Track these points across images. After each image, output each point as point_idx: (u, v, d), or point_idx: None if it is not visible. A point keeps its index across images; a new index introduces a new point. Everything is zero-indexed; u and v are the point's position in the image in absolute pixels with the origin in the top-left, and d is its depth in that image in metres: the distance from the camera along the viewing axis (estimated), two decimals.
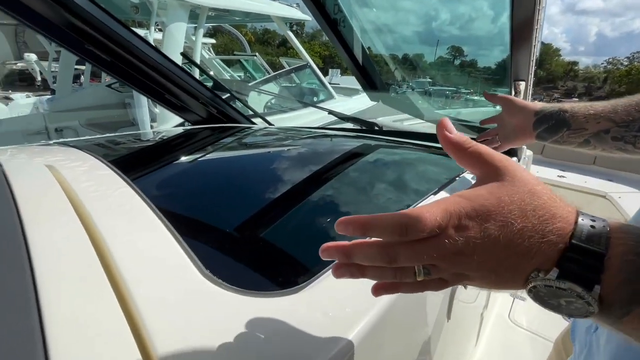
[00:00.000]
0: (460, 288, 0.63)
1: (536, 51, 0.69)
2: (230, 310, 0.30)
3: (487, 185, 0.25)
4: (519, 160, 1.16)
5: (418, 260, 0.24)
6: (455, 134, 0.26)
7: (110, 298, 0.29)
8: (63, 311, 0.27)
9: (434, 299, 0.54)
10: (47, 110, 4.26)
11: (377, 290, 0.28)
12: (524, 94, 0.78)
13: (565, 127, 0.53)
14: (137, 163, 0.72)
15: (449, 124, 0.27)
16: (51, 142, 0.80)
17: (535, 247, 0.22)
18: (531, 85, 0.77)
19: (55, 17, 0.83)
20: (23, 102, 5.16)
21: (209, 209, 0.55)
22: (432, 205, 0.23)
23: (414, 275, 0.24)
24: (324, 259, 0.25)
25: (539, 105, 0.58)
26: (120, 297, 0.30)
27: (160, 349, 0.26)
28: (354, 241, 0.25)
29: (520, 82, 0.76)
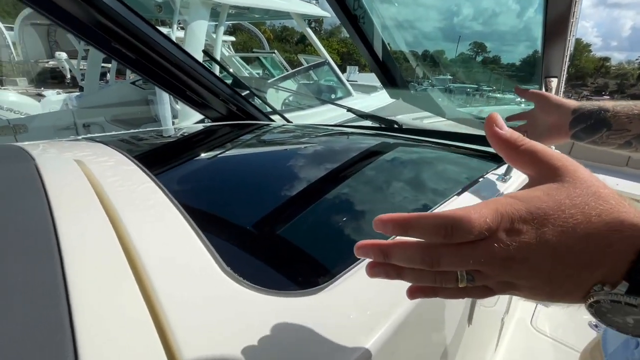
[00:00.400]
0: None
1: (570, 46, 0.65)
2: (249, 309, 0.30)
3: (543, 186, 0.22)
4: None
5: (462, 266, 0.22)
6: (507, 130, 0.24)
7: (134, 291, 0.30)
8: (90, 302, 0.28)
9: (455, 302, 0.52)
10: (76, 106, 4.45)
11: (413, 294, 0.26)
12: (556, 91, 0.74)
13: (605, 128, 0.50)
14: (160, 159, 0.74)
15: (499, 119, 0.24)
16: (79, 137, 0.83)
17: (600, 257, 0.20)
18: (563, 82, 0.73)
19: (84, 16, 0.86)
20: (54, 99, 5.42)
21: (230, 206, 0.55)
22: (481, 206, 0.21)
23: (455, 280, 0.23)
24: (358, 257, 0.23)
25: (576, 103, 0.54)
26: (143, 289, 0.30)
27: (182, 343, 0.26)
28: (392, 240, 0.23)
29: (552, 79, 0.72)
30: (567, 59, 0.68)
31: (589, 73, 49.75)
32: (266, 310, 0.30)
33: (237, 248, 0.43)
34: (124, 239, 0.36)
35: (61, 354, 0.23)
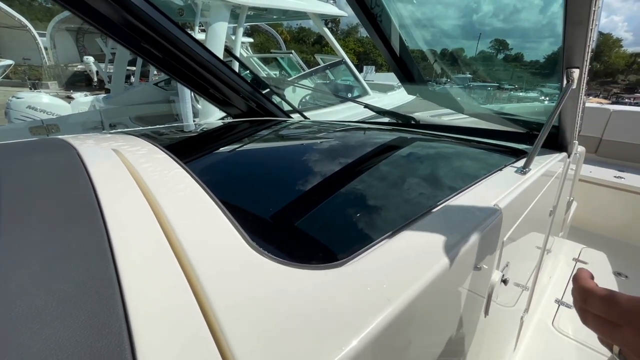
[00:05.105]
0: (498, 286, 0.61)
1: (593, 35, 0.62)
2: (275, 278, 0.33)
3: None
4: (569, 157, 1.08)
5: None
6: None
7: (167, 250, 0.34)
8: (134, 264, 0.31)
9: (472, 290, 0.53)
10: (103, 107, 4.66)
11: None
12: (578, 83, 0.72)
13: None
14: (187, 149, 0.78)
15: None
16: (112, 131, 0.89)
17: None
18: (586, 74, 0.71)
19: (117, 17, 0.92)
20: (82, 100, 5.72)
21: (250, 191, 0.58)
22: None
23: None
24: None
25: None
26: (175, 252, 0.34)
27: (214, 303, 0.29)
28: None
29: (574, 70, 0.70)
30: (590, 49, 0.66)
31: (619, 69, 47.24)
32: (291, 281, 0.32)
33: (263, 227, 0.46)
34: (160, 216, 0.39)
35: (112, 303, 0.26)
